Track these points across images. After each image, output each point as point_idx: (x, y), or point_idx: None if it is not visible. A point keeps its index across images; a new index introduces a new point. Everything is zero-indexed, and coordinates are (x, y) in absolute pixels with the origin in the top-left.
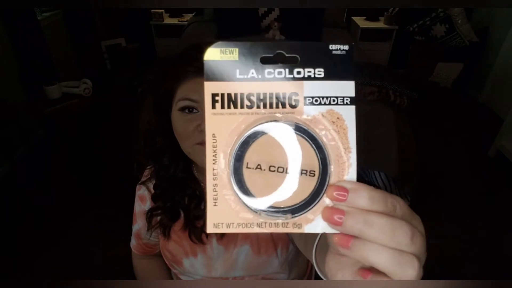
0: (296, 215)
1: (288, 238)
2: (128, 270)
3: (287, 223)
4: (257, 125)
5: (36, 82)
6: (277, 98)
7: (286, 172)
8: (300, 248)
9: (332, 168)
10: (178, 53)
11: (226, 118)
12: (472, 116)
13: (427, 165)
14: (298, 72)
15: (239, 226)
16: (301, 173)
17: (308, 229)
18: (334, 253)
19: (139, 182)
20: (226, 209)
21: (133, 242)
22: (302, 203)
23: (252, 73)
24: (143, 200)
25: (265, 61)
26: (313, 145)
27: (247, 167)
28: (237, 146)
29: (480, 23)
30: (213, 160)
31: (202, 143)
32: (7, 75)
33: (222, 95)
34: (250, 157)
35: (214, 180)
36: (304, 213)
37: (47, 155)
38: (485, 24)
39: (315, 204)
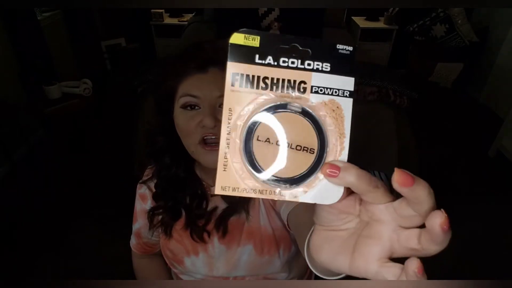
0: (293, 186)
1: (291, 238)
2: (128, 270)
3: (284, 192)
4: (269, 105)
5: (36, 82)
6: (288, 84)
7: (291, 148)
8: (298, 243)
9: (328, 149)
10: (179, 52)
11: (242, 95)
12: (472, 116)
13: (427, 165)
14: (309, 64)
15: (243, 191)
16: (303, 150)
17: (302, 199)
18: (320, 229)
19: (140, 181)
20: (234, 175)
21: (133, 241)
22: (299, 176)
23: (269, 60)
24: (144, 199)
25: (281, 51)
26: (315, 127)
27: (257, 140)
28: (249, 121)
29: (480, 23)
30: (227, 131)
31: (205, 141)
32: (7, 75)
33: (242, 75)
34: (261, 131)
35: (226, 148)
36: (300, 185)
37: (47, 155)
38: (485, 24)
39: (311, 178)
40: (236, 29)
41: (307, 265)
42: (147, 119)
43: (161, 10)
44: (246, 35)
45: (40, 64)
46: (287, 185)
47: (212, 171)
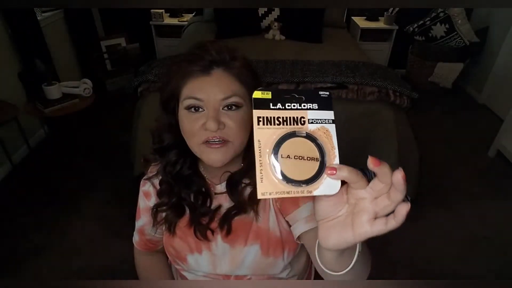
0: (308, 185)
1: (296, 242)
2: (128, 270)
3: (303, 190)
4: (284, 134)
5: (36, 82)
6: (293, 119)
7: (303, 159)
8: (312, 258)
9: (326, 157)
10: (184, 52)
11: (265, 131)
12: (472, 116)
13: (427, 165)
14: (304, 106)
15: (276, 193)
16: (311, 160)
17: (315, 193)
18: (322, 223)
19: (144, 177)
20: (268, 184)
21: (135, 238)
22: (311, 177)
23: (279, 105)
24: (147, 196)
25: (286, 99)
26: (316, 145)
27: (281, 157)
28: (273, 145)
29: (480, 23)
30: (259, 155)
31: (207, 142)
32: (7, 75)
33: (263, 117)
34: (282, 151)
35: (260, 167)
36: (312, 183)
37: (47, 155)
38: (485, 24)
39: (318, 178)
40: (236, 29)
41: (308, 263)
42: (147, 119)
43: (161, 10)
44: (262, 91)
45: (40, 64)
46: (304, 185)
47: (216, 170)
